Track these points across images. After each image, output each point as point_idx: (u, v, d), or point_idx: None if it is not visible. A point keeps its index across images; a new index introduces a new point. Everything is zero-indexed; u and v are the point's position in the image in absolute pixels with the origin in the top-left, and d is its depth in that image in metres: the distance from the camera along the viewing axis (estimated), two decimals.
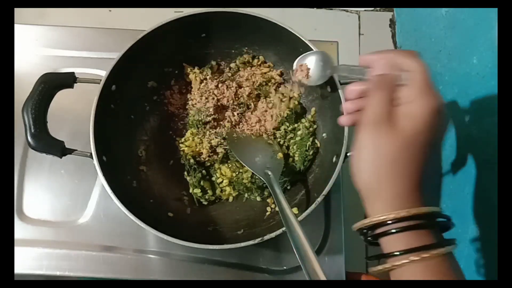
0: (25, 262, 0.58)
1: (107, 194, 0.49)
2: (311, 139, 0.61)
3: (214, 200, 0.61)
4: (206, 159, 0.61)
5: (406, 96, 0.37)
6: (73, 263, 0.59)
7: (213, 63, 0.65)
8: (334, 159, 0.54)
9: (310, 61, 0.53)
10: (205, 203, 0.61)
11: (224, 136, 0.61)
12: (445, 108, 0.37)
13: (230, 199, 0.61)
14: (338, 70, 0.50)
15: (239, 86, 0.64)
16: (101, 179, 0.50)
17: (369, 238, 0.38)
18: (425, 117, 0.35)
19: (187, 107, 0.64)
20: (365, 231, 0.38)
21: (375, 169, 0.36)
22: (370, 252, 0.69)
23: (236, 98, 0.63)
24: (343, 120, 0.45)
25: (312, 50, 0.55)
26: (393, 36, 0.82)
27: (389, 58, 0.38)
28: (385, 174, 0.35)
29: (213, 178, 0.61)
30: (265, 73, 0.65)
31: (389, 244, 0.35)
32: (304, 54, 0.54)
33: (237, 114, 0.63)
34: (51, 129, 0.51)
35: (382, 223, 0.35)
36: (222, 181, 0.60)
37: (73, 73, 0.54)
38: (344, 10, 0.84)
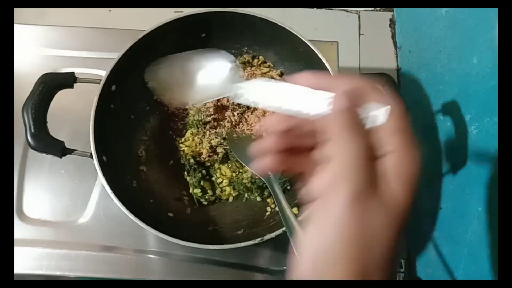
0: (25, 262, 0.58)
1: (107, 194, 0.49)
2: None
3: (214, 200, 0.61)
4: (206, 159, 0.61)
5: (383, 145, 0.26)
6: (73, 263, 0.59)
7: None
8: None
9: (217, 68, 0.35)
10: (205, 203, 0.61)
11: (224, 136, 0.61)
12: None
13: (230, 199, 0.61)
14: (238, 91, 0.30)
15: None
16: (101, 179, 0.50)
17: None
18: (417, 174, 0.26)
19: (187, 107, 0.64)
20: None
21: (360, 259, 0.25)
22: None
23: None
24: (267, 164, 0.30)
25: (312, 49, 0.55)
26: (393, 36, 0.82)
27: (352, 86, 0.27)
28: (375, 265, 0.25)
29: (213, 178, 0.61)
30: (265, 73, 0.65)
31: None
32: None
33: (237, 114, 0.63)
34: (51, 129, 0.51)
35: None
36: (222, 181, 0.60)
37: (73, 73, 0.54)
38: (344, 10, 0.84)
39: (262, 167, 0.29)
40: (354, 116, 0.26)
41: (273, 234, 0.49)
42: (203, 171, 0.61)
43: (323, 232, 0.25)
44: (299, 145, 0.30)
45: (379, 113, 0.26)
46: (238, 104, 0.63)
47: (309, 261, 0.26)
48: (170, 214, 0.58)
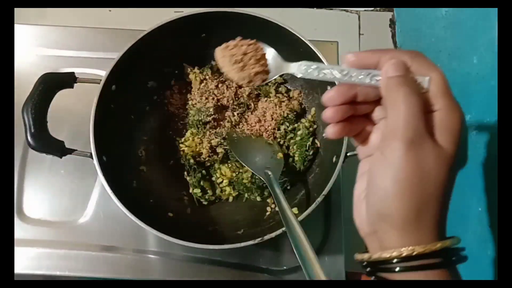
0: (25, 262, 0.58)
1: (107, 194, 0.49)
2: (311, 139, 0.61)
3: (214, 200, 0.61)
4: (206, 159, 0.61)
5: (430, 105, 0.30)
6: (73, 263, 0.59)
7: (213, 63, 0.65)
8: (334, 159, 0.54)
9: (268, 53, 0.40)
10: (205, 203, 0.61)
11: (224, 136, 0.61)
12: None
13: (230, 199, 0.61)
14: (297, 68, 0.36)
15: (239, 86, 0.64)
16: (101, 179, 0.50)
17: (371, 270, 0.32)
18: (460, 129, 0.30)
19: (187, 107, 0.64)
20: (369, 262, 0.32)
21: (417, 194, 0.29)
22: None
23: (236, 98, 0.63)
24: (332, 133, 0.34)
25: (312, 49, 0.55)
26: (393, 36, 0.82)
27: (398, 58, 0.31)
28: (428, 201, 0.29)
29: (213, 178, 0.61)
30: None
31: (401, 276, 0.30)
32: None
33: (237, 114, 0.63)
34: (51, 129, 0.51)
35: (405, 258, 0.29)
36: (222, 181, 0.60)
37: (73, 73, 0.54)
38: (344, 10, 0.84)
39: (327, 136, 0.34)
40: (404, 80, 0.30)
41: (273, 234, 0.49)
42: (203, 171, 0.61)
43: (380, 175, 0.30)
44: (358, 113, 0.34)
45: (422, 81, 0.30)
46: (238, 104, 0.63)
47: (373, 198, 0.31)
48: (170, 214, 0.58)
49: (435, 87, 0.30)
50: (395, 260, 0.29)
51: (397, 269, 0.29)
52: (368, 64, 0.32)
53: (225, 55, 0.40)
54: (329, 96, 0.33)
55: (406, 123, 0.29)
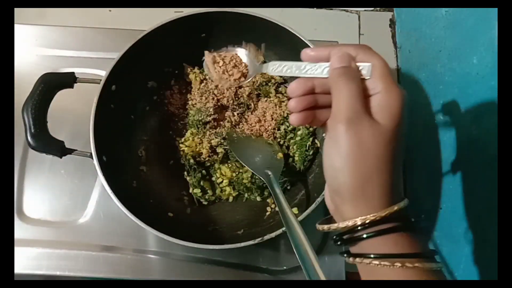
0: (25, 262, 0.58)
1: (107, 194, 0.50)
2: (311, 139, 0.61)
3: (214, 200, 0.61)
4: (206, 159, 0.61)
5: (371, 89, 0.34)
6: (73, 263, 0.59)
7: None
8: None
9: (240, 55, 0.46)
10: (205, 203, 0.61)
11: (224, 136, 0.61)
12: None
13: (230, 199, 0.61)
14: (268, 68, 0.42)
15: (239, 86, 0.64)
16: (101, 179, 0.50)
17: (339, 242, 0.35)
18: (400, 108, 0.33)
19: (187, 107, 0.64)
20: (336, 235, 0.35)
21: (360, 168, 0.33)
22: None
23: (236, 98, 0.63)
24: (294, 120, 0.38)
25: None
26: (393, 36, 0.82)
27: (343, 51, 0.36)
28: (371, 174, 0.33)
29: (213, 178, 0.61)
30: (265, 73, 0.65)
31: (368, 246, 0.33)
32: (226, 47, 0.47)
33: (237, 114, 0.63)
34: (51, 129, 0.51)
35: (360, 226, 0.33)
36: (222, 181, 0.60)
37: (73, 73, 0.54)
38: (344, 10, 0.84)
39: (291, 122, 0.38)
40: (345, 70, 0.35)
41: (273, 234, 0.49)
42: (203, 171, 0.61)
43: (328, 154, 0.34)
44: (321, 104, 0.38)
45: (364, 68, 0.35)
46: (238, 104, 0.63)
47: (327, 176, 0.35)
48: (170, 214, 0.58)
49: (376, 73, 0.34)
50: (359, 229, 0.33)
51: (364, 235, 0.33)
52: (321, 58, 0.37)
53: (209, 59, 0.45)
54: (290, 88, 0.38)
55: (345, 105, 0.33)
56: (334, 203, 0.35)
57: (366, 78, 0.35)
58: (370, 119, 0.33)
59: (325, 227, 0.36)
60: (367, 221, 0.32)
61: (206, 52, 0.46)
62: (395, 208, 0.33)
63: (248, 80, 0.45)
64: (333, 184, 0.34)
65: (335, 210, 0.36)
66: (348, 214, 0.33)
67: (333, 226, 0.35)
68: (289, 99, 0.38)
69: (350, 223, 0.33)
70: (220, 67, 0.45)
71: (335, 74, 0.35)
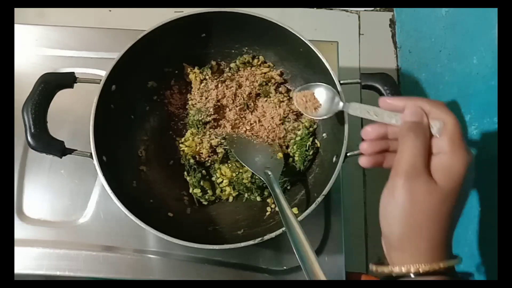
0: (25, 262, 0.58)
1: (107, 194, 0.49)
2: (311, 139, 0.61)
3: (214, 200, 0.61)
4: (206, 159, 0.61)
5: (438, 147, 0.36)
6: (73, 263, 0.59)
7: (213, 63, 0.65)
8: (334, 159, 0.54)
9: (319, 94, 0.51)
10: (205, 203, 0.61)
11: (224, 136, 0.61)
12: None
13: (230, 199, 0.61)
14: (349, 108, 0.45)
15: (239, 86, 0.64)
16: (101, 179, 0.50)
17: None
18: (462, 172, 0.34)
19: (187, 107, 0.64)
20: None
21: (409, 221, 0.35)
22: (371, 254, 0.69)
23: (236, 98, 0.63)
24: (364, 162, 0.41)
25: (312, 49, 0.55)
26: (393, 36, 0.82)
27: (419, 105, 0.37)
28: (420, 228, 0.34)
29: (213, 178, 0.61)
30: (265, 73, 0.65)
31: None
32: (310, 84, 0.52)
33: (237, 114, 0.63)
34: (51, 129, 0.51)
35: (404, 275, 0.35)
36: (222, 181, 0.60)
37: (73, 73, 0.54)
38: (344, 10, 0.84)
39: (360, 164, 0.41)
40: (415, 125, 0.36)
41: (273, 234, 0.49)
42: (203, 171, 0.61)
43: (384, 203, 0.36)
44: (392, 149, 0.40)
45: (435, 126, 0.36)
46: (238, 104, 0.63)
47: (381, 223, 0.37)
48: (170, 214, 0.58)
49: (446, 132, 0.35)
50: (412, 275, 0.34)
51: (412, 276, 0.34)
52: (397, 108, 0.39)
53: (298, 98, 0.52)
54: (365, 131, 0.41)
55: (406, 160, 0.35)
56: (385, 246, 0.38)
57: (436, 136, 0.36)
58: (428, 177, 0.34)
59: (384, 269, 0.37)
60: (421, 270, 0.34)
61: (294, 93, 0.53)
62: (451, 263, 0.34)
63: (328, 115, 0.50)
64: (385, 231, 0.37)
65: (386, 253, 0.38)
66: (396, 260, 0.36)
67: (387, 269, 0.36)
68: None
69: (404, 269, 0.35)
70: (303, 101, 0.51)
71: (405, 128, 0.37)
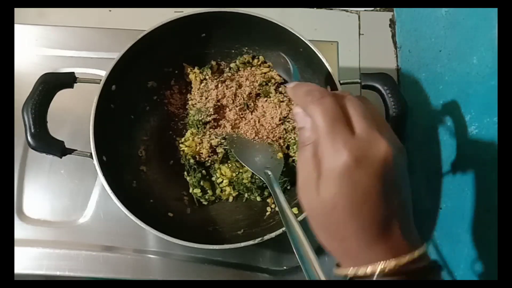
0: (25, 262, 0.58)
1: (107, 194, 0.50)
2: None
3: (214, 200, 0.61)
4: (206, 159, 0.61)
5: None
6: (73, 263, 0.59)
7: (213, 63, 0.65)
8: None
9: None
10: (205, 203, 0.61)
11: (224, 136, 0.61)
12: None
13: (230, 199, 0.61)
14: None
15: (239, 86, 0.64)
16: (101, 179, 0.50)
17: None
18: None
19: (187, 107, 0.64)
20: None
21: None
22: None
23: (236, 98, 0.63)
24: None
25: (312, 49, 0.55)
26: (393, 36, 0.82)
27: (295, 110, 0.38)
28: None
29: (213, 178, 0.61)
30: (265, 73, 0.65)
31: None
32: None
33: (237, 114, 0.63)
34: (51, 129, 0.51)
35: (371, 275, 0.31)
36: (222, 181, 0.60)
37: (73, 73, 0.54)
38: (344, 10, 0.84)
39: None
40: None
41: (273, 234, 0.49)
42: (203, 171, 0.61)
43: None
44: None
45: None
46: (238, 104, 0.63)
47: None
48: (170, 214, 0.58)
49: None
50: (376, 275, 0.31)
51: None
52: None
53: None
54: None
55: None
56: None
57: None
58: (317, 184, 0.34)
59: (349, 272, 0.33)
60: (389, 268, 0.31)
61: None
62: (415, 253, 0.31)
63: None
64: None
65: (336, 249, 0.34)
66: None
67: (351, 271, 0.33)
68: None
69: (369, 269, 0.31)
70: None
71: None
